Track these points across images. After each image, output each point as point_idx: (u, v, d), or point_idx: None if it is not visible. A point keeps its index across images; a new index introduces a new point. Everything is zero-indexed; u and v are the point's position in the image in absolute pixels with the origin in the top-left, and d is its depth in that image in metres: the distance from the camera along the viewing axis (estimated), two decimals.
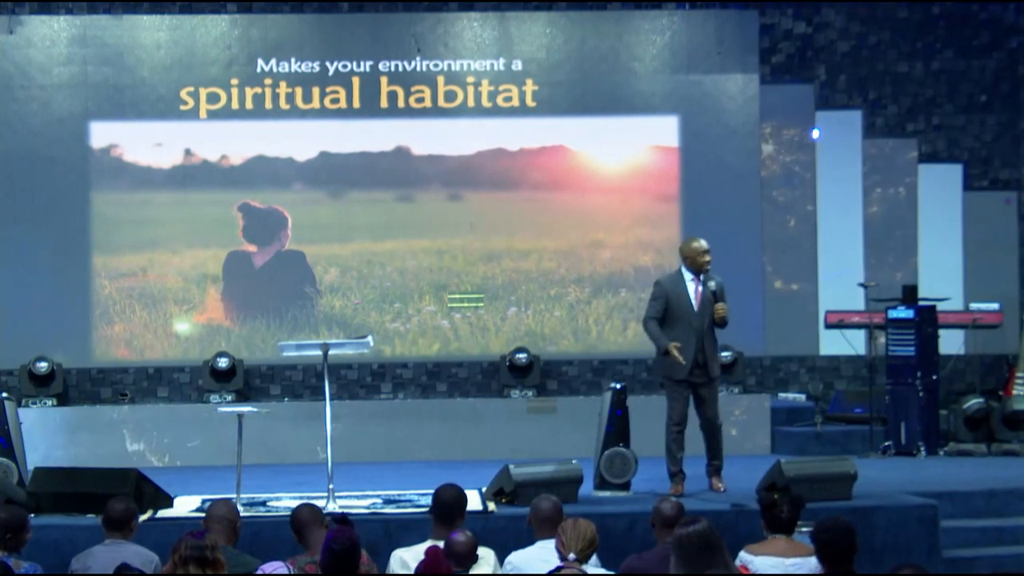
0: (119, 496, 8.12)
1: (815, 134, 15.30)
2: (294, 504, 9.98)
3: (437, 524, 7.65)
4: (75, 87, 14.77)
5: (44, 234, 14.63)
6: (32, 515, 9.64)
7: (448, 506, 7.67)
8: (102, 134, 14.83)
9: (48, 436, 13.21)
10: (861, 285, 14.24)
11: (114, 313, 14.77)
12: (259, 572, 7.03)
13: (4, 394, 11.05)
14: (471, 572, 6.94)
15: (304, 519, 7.48)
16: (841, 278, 14.96)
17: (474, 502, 9.87)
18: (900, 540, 9.58)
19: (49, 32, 14.79)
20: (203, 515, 7.77)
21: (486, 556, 7.47)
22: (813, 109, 15.33)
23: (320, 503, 8.68)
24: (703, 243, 10.81)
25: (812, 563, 6.71)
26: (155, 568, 7.45)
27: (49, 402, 13.90)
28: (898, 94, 15.45)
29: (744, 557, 7.22)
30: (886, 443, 13.13)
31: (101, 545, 7.72)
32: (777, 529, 7.33)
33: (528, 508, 7.82)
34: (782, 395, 14.88)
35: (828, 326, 14.61)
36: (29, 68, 14.73)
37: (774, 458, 10.57)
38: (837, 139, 15.31)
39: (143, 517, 9.48)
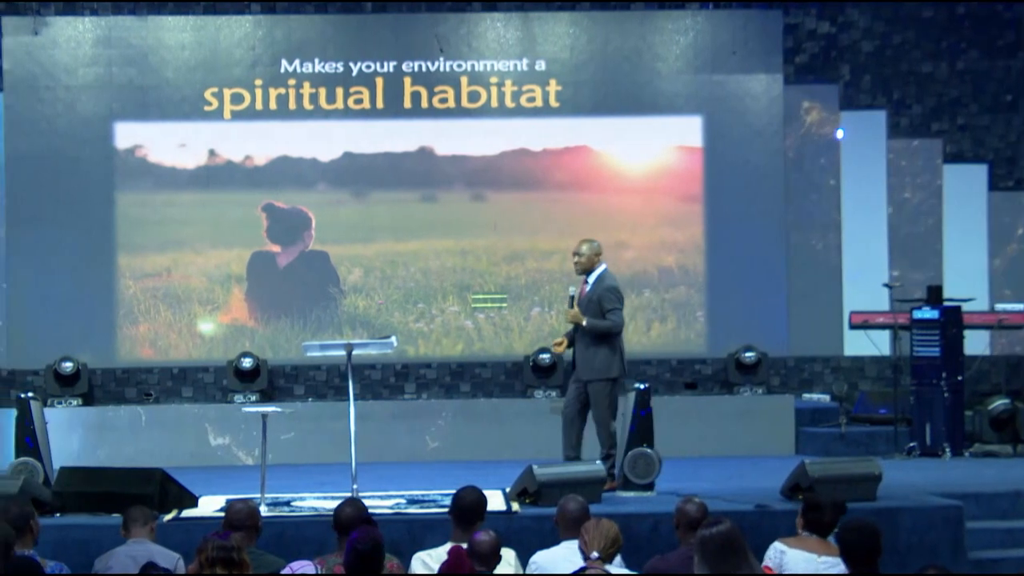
0: (136, 499, 8.15)
1: (839, 134, 15.26)
2: (318, 504, 10.06)
3: (456, 527, 7.65)
4: (100, 88, 14.82)
5: (69, 234, 14.68)
6: (58, 514, 9.72)
7: (468, 509, 7.67)
8: (127, 135, 14.88)
9: (73, 436, 13.26)
10: (886, 285, 14.19)
11: (139, 313, 14.82)
12: (288, 571, 7.03)
13: (30, 394, 11.09)
14: (494, 572, 6.93)
15: (347, 518, 7.45)
16: (864, 279, 14.92)
17: (498, 502, 9.89)
18: (925, 541, 9.55)
19: (74, 33, 14.84)
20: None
21: (506, 556, 7.46)
22: (837, 109, 15.29)
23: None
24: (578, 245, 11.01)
25: (843, 564, 6.69)
26: (177, 567, 7.47)
27: (74, 402, 13.95)
28: (923, 94, 15.40)
29: (778, 546, 7.23)
30: (911, 444, 13.09)
31: (124, 545, 7.75)
32: (815, 531, 7.33)
33: (552, 508, 7.81)
34: (806, 396, 14.85)
35: (852, 327, 14.56)
36: (54, 69, 14.79)
37: (798, 459, 10.54)
38: (861, 139, 15.27)
39: (167, 517, 9.52)
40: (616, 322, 10.81)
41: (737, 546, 5.95)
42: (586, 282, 10.95)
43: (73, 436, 13.25)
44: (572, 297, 10.92)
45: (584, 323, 10.78)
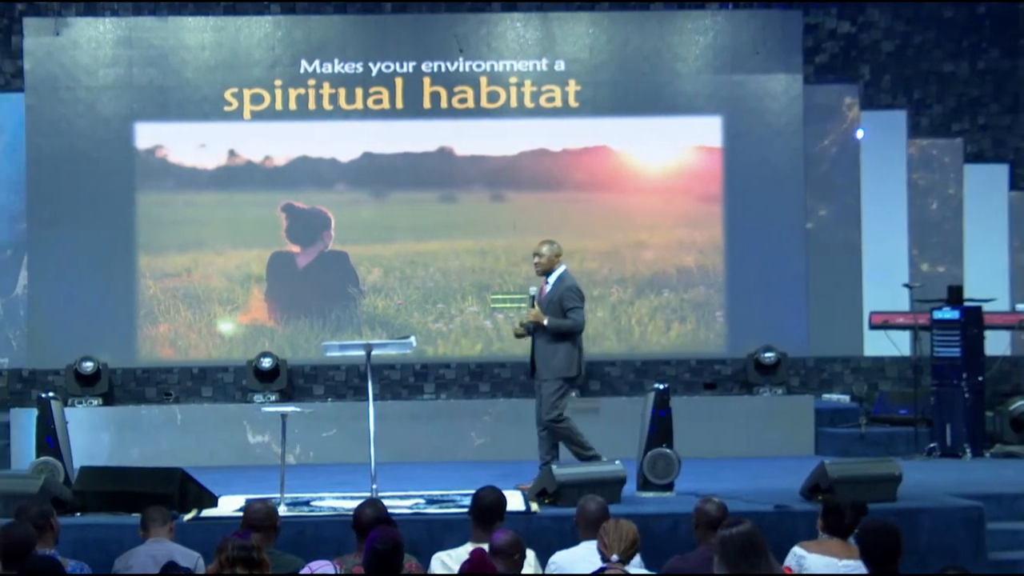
0: (157, 505, 8.17)
1: (859, 134, 15.23)
2: (338, 504, 10.07)
3: (476, 527, 7.65)
4: (120, 88, 14.86)
5: (90, 235, 14.72)
6: (78, 514, 9.75)
7: (488, 509, 7.67)
8: (147, 135, 14.92)
9: (94, 435, 13.29)
10: (906, 286, 14.14)
11: (159, 313, 14.85)
12: (306, 571, 7.04)
13: (51, 394, 11.13)
14: (512, 572, 6.93)
15: (367, 518, 7.45)
16: (884, 279, 14.88)
17: (517, 503, 9.89)
18: (945, 542, 9.52)
19: (95, 34, 14.88)
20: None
21: (527, 556, 7.46)
22: (858, 109, 15.25)
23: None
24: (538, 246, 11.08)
25: (863, 566, 6.68)
26: (197, 566, 7.49)
27: (95, 402, 13.99)
28: (943, 94, 15.36)
29: (797, 551, 7.22)
30: (931, 445, 13.06)
31: (143, 544, 7.77)
32: (835, 532, 7.32)
33: (571, 508, 7.80)
34: (826, 396, 14.82)
35: (873, 327, 14.53)
36: (75, 70, 14.83)
37: (818, 459, 10.52)
38: (882, 139, 15.23)
39: (187, 516, 9.55)
40: (578, 320, 10.88)
41: (758, 547, 5.94)
42: (547, 283, 11.02)
43: (93, 436, 13.28)
44: (532, 297, 11.03)
45: (546, 322, 10.82)
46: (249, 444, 13.41)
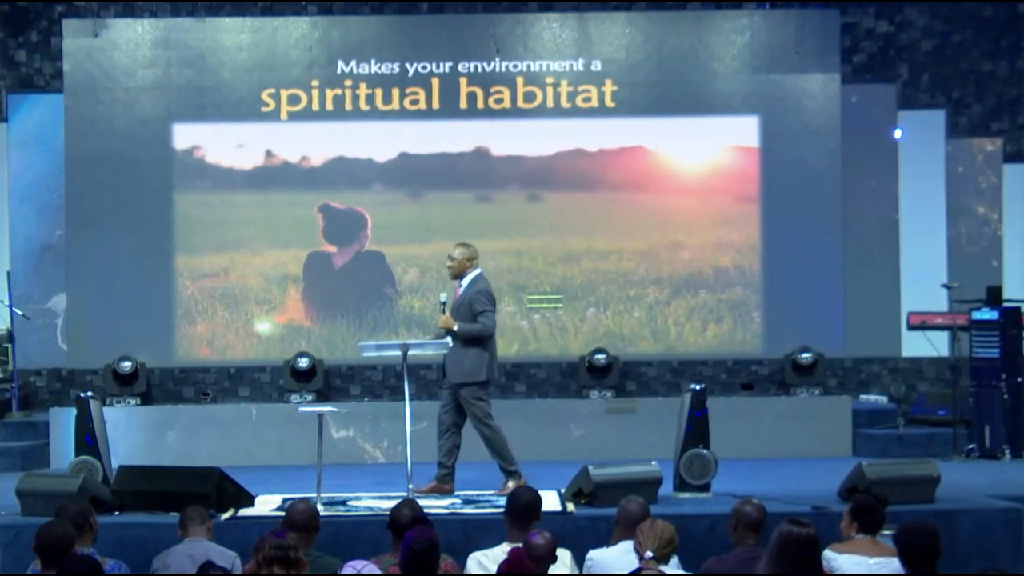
0: (195, 505, 8.20)
1: (897, 134, 15.16)
2: (374, 504, 10.08)
3: (512, 526, 7.65)
4: (158, 89, 14.93)
5: (128, 235, 14.80)
6: (116, 513, 9.80)
7: (524, 509, 7.67)
8: (184, 136, 14.98)
9: (132, 435, 13.35)
10: (944, 286, 14.06)
11: (196, 313, 14.92)
12: (350, 571, 7.03)
13: (89, 393, 11.18)
14: (549, 572, 6.92)
15: (403, 518, 7.46)
16: (922, 279, 14.80)
17: (553, 503, 9.89)
18: (984, 543, 9.47)
19: (133, 35, 14.96)
20: (284, 514, 7.82)
21: (562, 556, 7.46)
22: (895, 109, 15.18)
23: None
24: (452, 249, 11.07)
25: (895, 564, 6.66)
26: (235, 566, 7.51)
27: (133, 401, 14.06)
28: (982, 93, 15.27)
29: (827, 555, 7.19)
30: (970, 446, 12.99)
31: (181, 544, 7.80)
32: (868, 530, 7.30)
33: (607, 508, 7.79)
34: (864, 397, 14.76)
35: (911, 327, 14.47)
36: (113, 71, 14.91)
37: (855, 460, 10.48)
38: (920, 139, 15.16)
39: (224, 516, 9.58)
40: (487, 325, 10.82)
41: (816, 552, 5.99)
42: (459, 286, 10.99)
43: (132, 435, 13.34)
44: (443, 303, 10.94)
45: (456, 328, 10.77)
46: (287, 443, 13.40)
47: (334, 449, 13.06)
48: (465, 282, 10.96)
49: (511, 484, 10.55)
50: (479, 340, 10.82)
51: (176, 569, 7.50)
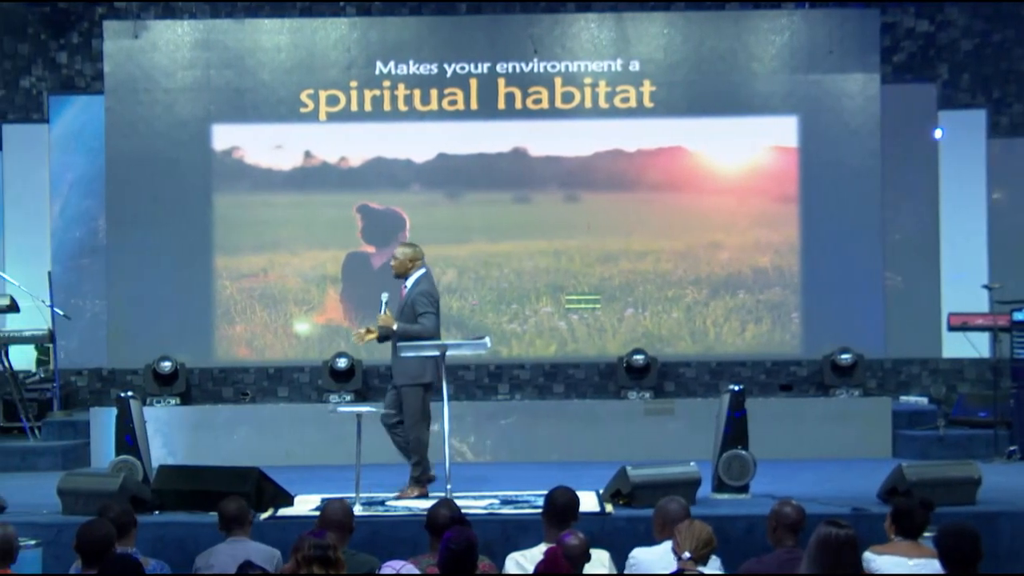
0: (231, 495, 8.21)
1: (938, 134, 15.08)
2: (412, 504, 10.10)
3: (550, 527, 7.65)
4: (198, 90, 14.99)
5: (168, 236, 14.87)
6: (156, 512, 9.85)
7: (561, 509, 7.67)
8: (224, 136, 15.04)
9: (171, 435, 13.42)
10: (985, 287, 13.98)
11: (235, 313, 14.98)
12: (389, 571, 7.04)
13: (129, 393, 11.24)
14: (586, 573, 6.92)
15: (441, 518, 7.47)
16: (963, 280, 14.71)
17: (591, 503, 9.88)
18: None
19: (173, 37, 15.03)
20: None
21: (601, 557, 7.46)
22: (935, 109, 15.10)
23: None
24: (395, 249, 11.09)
25: (935, 565, 6.62)
26: (277, 565, 7.53)
27: (172, 401, 14.12)
28: (1023, 92, 15.16)
29: (867, 556, 7.16)
30: (1011, 448, 12.90)
31: (223, 544, 7.82)
32: (907, 534, 7.26)
33: (646, 509, 7.78)
34: (903, 398, 14.68)
35: (951, 328, 14.38)
36: (153, 72, 14.98)
37: (895, 462, 10.43)
38: (960, 139, 15.07)
39: (263, 515, 9.61)
40: (427, 326, 10.74)
41: (855, 553, 5.98)
42: (404, 286, 10.97)
43: (171, 435, 13.40)
44: (385, 303, 10.85)
45: (395, 327, 10.73)
46: (325, 443, 13.42)
47: (372, 449, 13.04)
48: (409, 282, 10.96)
49: (412, 489, 10.66)
50: (420, 341, 10.72)
51: (220, 568, 7.52)
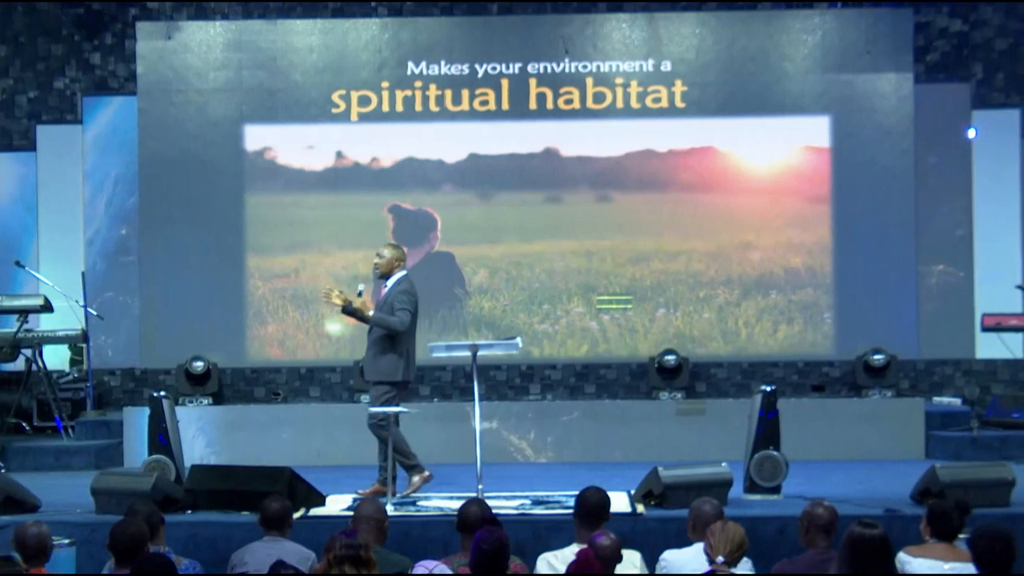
0: (275, 495, 8.24)
1: (971, 134, 15.01)
2: (444, 504, 10.11)
3: (581, 527, 7.64)
4: (230, 91, 15.04)
5: (200, 236, 14.92)
6: (189, 512, 9.89)
7: (593, 510, 7.67)
8: (256, 137, 15.09)
9: (204, 434, 13.46)
10: (1019, 287, 13.92)
11: (267, 313, 15.01)
12: (422, 571, 7.05)
13: (162, 393, 11.28)
14: (617, 573, 6.91)
15: (473, 518, 7.47)
16: (997, 280, 14.64)
17: (622, 504, 9.87)
18: None
19: (205, 38, 15.08)
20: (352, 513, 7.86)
21: (632, 558, 7.45)
22: (969, 108, 15.03)
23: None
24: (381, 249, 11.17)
25: (970, 568, 6.60)
26: (311, 565, 7.54)
27: (205, 401, 14.16)
28: None
29: (902, 558, 7.14)
30: None
31: (259, 542, 7.84)
32: (942, 536, 7.23)
33: (677, 510, 7.77)
34: (937, 399, 14.61)
35: (985, 329, 14.32)
36: (186, 73, 15.04)
37: (928, 463, 10.40)
38: (994, 138, 15.00)
39: (295, 515, 9.63)
40: (402, 320, 10.81)
41: (888, 553, 5.96)
42: (385, 286, 11.05)
43: (204, 435, 13.45)
44: (360, 292, 11.00)
45: (370, 314, 10.84)
46: (357, 443, 13.41)
47: None
48: (390, 282, 11.03)
49: (376, 486, 10.71)
50: (395, 340, 10.79)
51: (254, 566, 7.54)
